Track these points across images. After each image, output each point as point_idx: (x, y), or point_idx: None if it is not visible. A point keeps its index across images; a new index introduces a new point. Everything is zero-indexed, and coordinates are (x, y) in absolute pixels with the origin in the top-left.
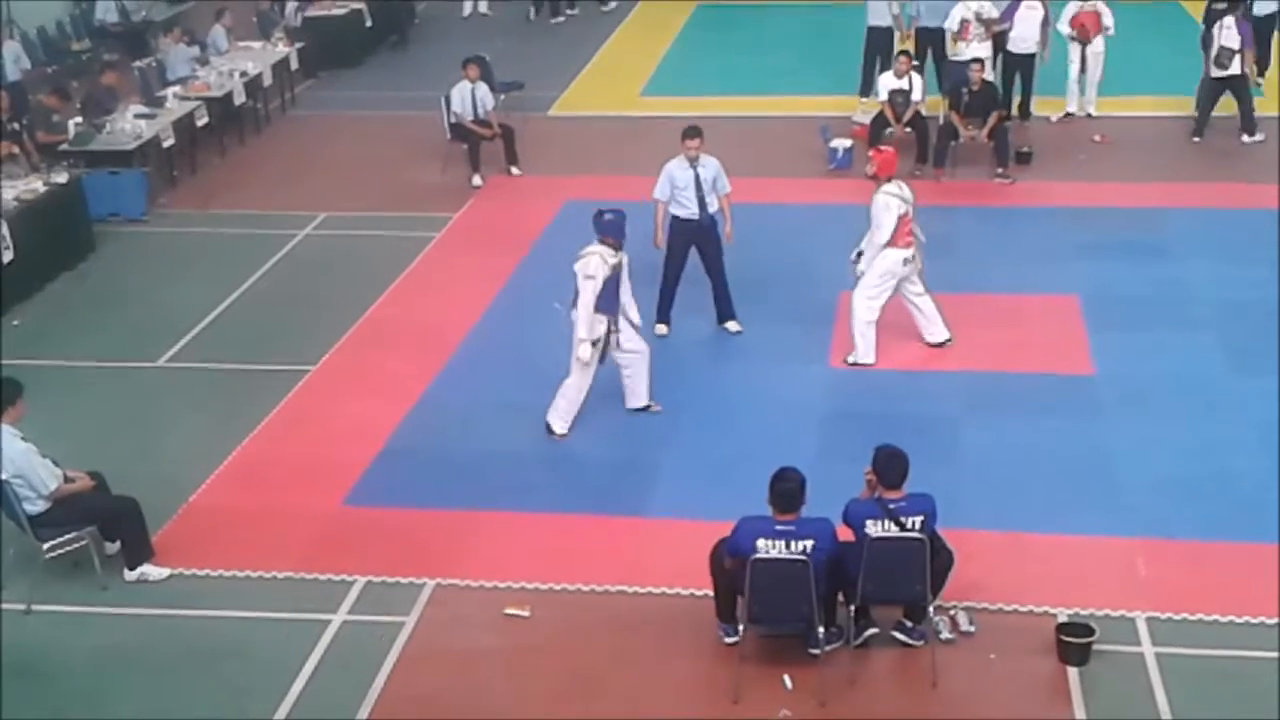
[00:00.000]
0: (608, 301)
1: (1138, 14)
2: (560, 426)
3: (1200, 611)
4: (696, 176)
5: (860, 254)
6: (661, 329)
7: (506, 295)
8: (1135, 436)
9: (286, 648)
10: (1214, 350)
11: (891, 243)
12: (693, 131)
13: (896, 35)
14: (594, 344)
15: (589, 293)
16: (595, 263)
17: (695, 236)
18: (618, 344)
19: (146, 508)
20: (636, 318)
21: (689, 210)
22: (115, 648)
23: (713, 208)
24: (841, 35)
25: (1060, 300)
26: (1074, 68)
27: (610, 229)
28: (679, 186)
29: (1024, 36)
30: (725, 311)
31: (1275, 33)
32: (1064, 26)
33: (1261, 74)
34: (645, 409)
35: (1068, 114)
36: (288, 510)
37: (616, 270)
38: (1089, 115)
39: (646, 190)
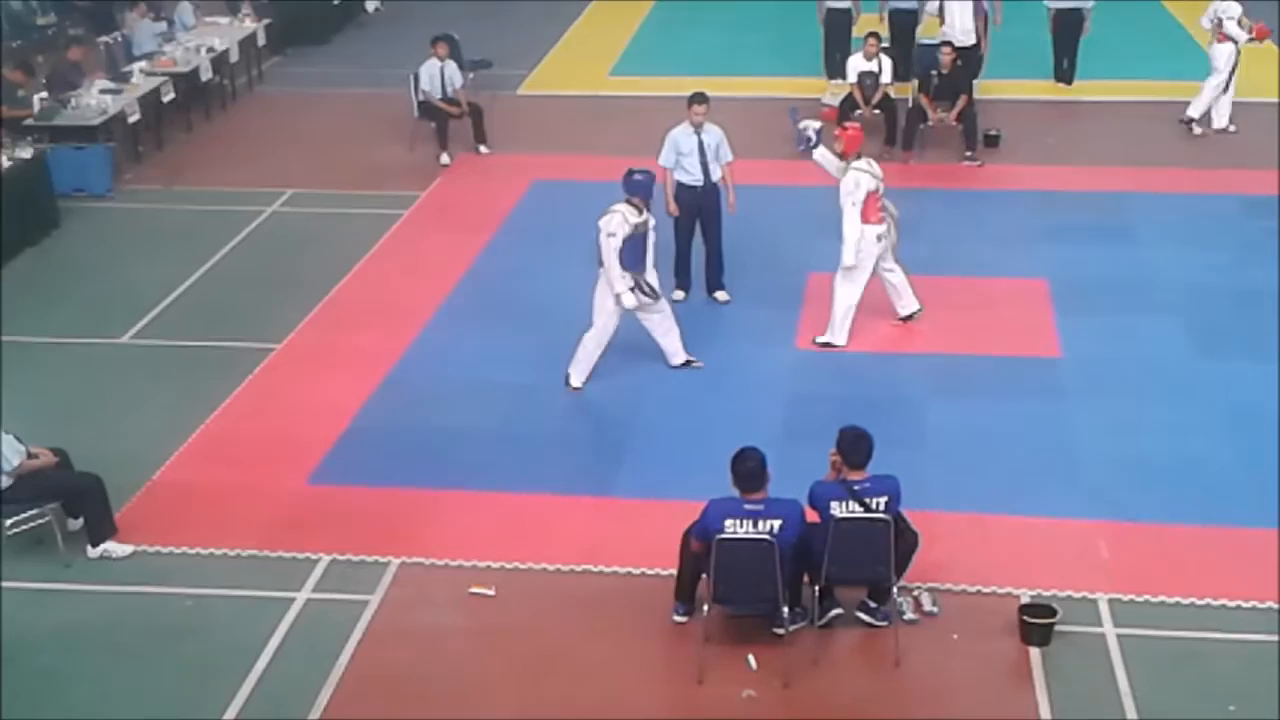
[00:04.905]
0: (634, 259)
1: (1111, 4)
2: (577, 379)
3: (1162, 594)
4: (700, 143)
5: (809, 138)
6: (679, 295)
7: (473, 274)
8: (1100, 419)
9: (250, 625)
10: (1179, 334)
11: (863, 220)
12: (699, 97)
13: (854, 17)
14: (632, 290)
15: (610, 249)
16: (617, 220)
17: (699, 203)
18: (642, 297)
19: (110, 485)
20: (655, 281)
21: (693, 177)
22: (78, 625)
23: (715, 176)
24: (810, 17)
25: (1029, 284)
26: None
27: (637, 188)
28: (683, 153)
29: (956, 31)
30: (715, 281)
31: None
32: (1241, 31)
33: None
34: (687, 364)
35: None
36: (252, 488)
37: (641, 229)
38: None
39: (614, 170)
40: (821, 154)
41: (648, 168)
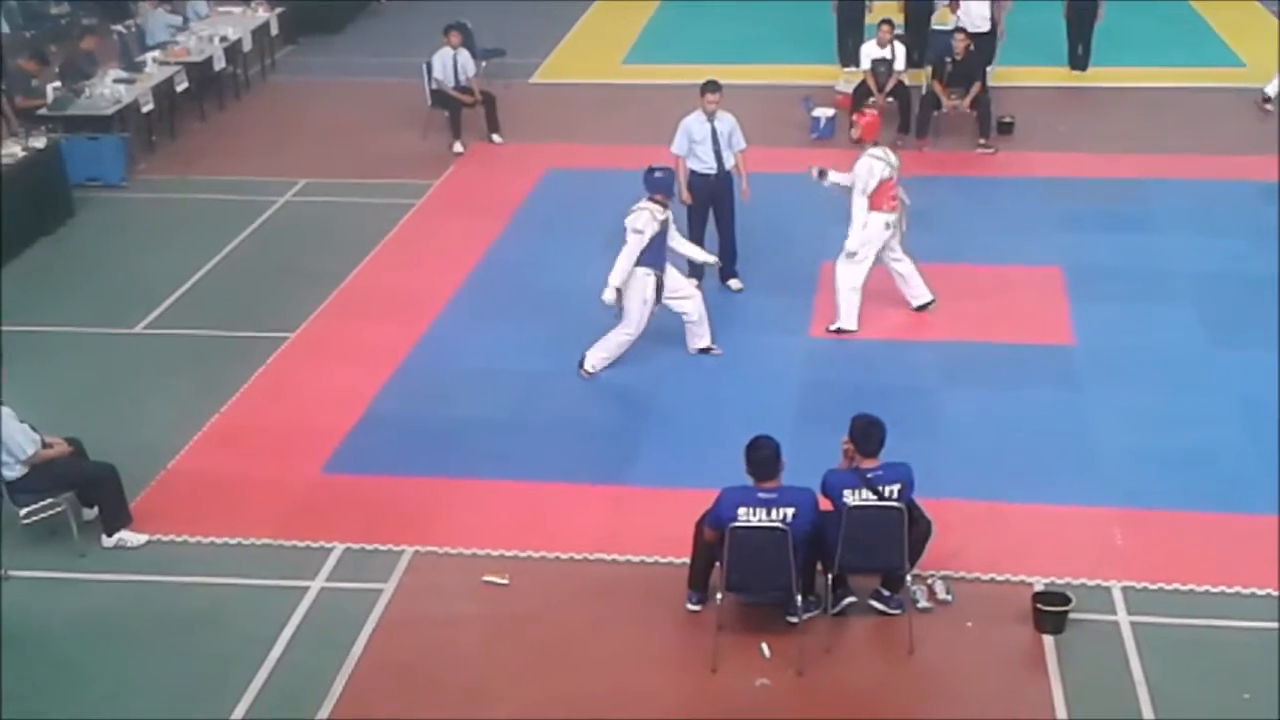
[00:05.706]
0: (655, 256)
1: None
2: (591, 366)
3: (1175, 581)
4: (713, 131)
5: (821, 171)
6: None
7: (487, 263)
8: (1114, 407)
9: (264, 614)
10: (1194, 321)
11: (874, 206)
12: (712, 86)
13: (867, 4)
14: (644, 301)
15: (634, 246)
16: (645, 218)
17: (712, 191)
18: (669, 292)
19: (124, 474)
20: (701, 255)
21: (706, 165)
22: (93, 614)
23: (728, 164)
24: (823, 4)
25: (1044, 271)
26: None
27: (659, 185)
28: (696, 140)
29: (971, 17)
30: (728, 269)
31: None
32: None
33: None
34: (707, 350)
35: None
36: (266, 477)
37: (664, 226)
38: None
39: (627, 158)
40: (834, 179)
41: (666, 164)
